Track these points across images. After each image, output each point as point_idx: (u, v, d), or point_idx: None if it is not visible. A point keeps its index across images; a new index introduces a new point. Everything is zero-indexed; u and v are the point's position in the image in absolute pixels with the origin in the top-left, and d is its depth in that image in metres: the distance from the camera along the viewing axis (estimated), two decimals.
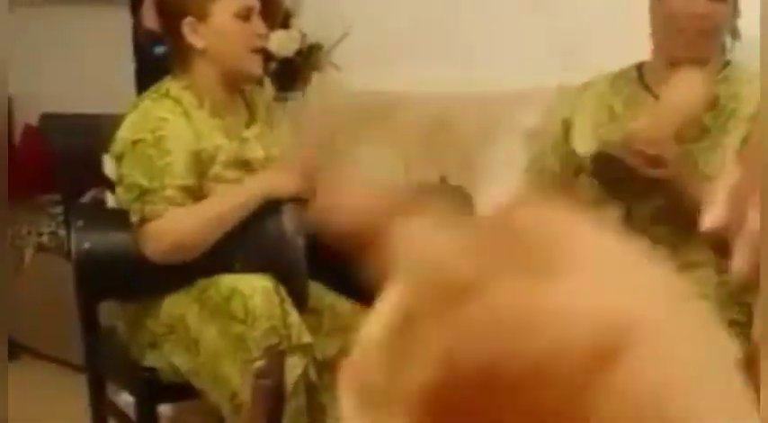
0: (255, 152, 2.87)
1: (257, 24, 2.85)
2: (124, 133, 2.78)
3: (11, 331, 4.28)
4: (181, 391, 2.86)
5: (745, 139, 2.47)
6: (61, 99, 4.16)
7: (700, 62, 2.47)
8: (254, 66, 2.87)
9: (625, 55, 2.65)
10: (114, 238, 2.87)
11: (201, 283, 2.75)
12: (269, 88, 3.16)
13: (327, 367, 2.70)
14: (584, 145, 2.57)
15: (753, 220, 0.72)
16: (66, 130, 3.23)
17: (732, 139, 2.50)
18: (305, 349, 2.66)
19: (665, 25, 2.49)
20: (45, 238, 4.51)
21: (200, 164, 2.76)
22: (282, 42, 4.06)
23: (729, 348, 0.41)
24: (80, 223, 2.91)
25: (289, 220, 2.80)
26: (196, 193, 2.75)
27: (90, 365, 3.06)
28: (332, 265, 2.32)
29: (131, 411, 3.00)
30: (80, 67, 4.92)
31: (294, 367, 2.59)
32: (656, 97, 2.54)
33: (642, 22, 2.55)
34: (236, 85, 2.90)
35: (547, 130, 2.79)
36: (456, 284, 0.39)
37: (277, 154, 2.91)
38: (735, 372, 0.41)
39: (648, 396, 0.37)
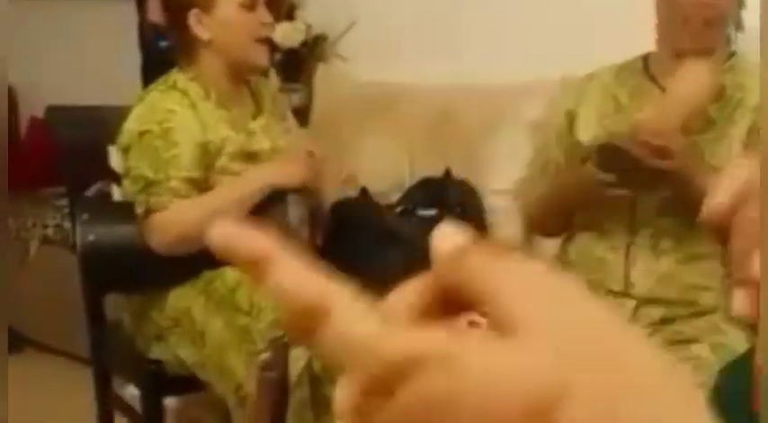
0: (262, 144, 2.87)
1: (262, 14, 2.85)
2: (131, 125, 2.78)
3: (16, 324, 4.30)
4: (186, 383, 2.86)
5: (752, 129, 2.46)
6: (67, 91, 4.16)
7: (705, 53, 2.46)
8: (260, 56, 2.87)
9: (628, 47, 2.65)
10: (119, 231, 2.87)
11: (207, 275, 2.75)
12: (274, 79, 3.15)
13: None
14: (589, 136, 2.57)
15: (752, 208, 0.71)
16: (71, 123, 3.22)
17: (738, 130, 2.49)
18: None
19: (671, 15, 2.49)
20: (50, 231, 4.51)
21: (207, 156, 2.76)
22: (287, 34, 4.06)
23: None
24: (85, 216, 2.91)
25: (293, 210, 2.80)
26: (202, 185, 2.75)
27: (95, 358, 3.06)
28: (336, 253, 2.33)
29: (137, 404, 3.00)
30: (85, 59, 4.92)
31: (298, 359, 2.59)
32: (662, 88, 2.53)
33: (645, 13, 2.54)
34: (242, 75, 2.90)
35: (551, 121, 2.79)
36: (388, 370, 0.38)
37: (283, 145, 2.91)
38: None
39: None
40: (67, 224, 4.11)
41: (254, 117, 2.91)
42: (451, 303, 0.41)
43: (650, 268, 2.51)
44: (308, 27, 4.18)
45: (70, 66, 4.96)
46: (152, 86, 2.89)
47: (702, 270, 2.48)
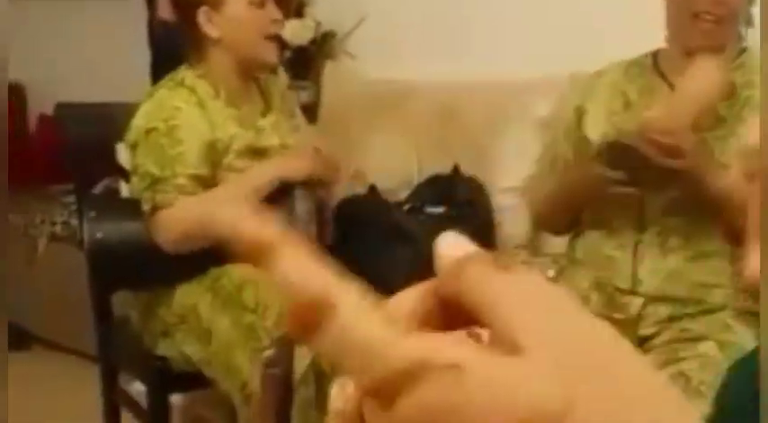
0: (271, 141, 2.87)
1: (272, 11, 2.85)
2: (138, 122, 2.78)
3: (23, 322, 4.30)
4: (192, 380, 2.86)
5: None
6: (76, 88, 4.17)
7: (716, 50, 2.45)
8: (269, 53, 2.87)
9: (637, 44, 2.63)
10: (127, 228, 2.87)
11: (214, 272, 2.75)
12: (283, 77, 3.15)
13: None
14: (598, 132, 2.55)
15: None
16: (80, 120, 3.22)
17: (747, 128, 2.48)
18: None
19: (681, 12, 2.47)
20: (58, 228, 4.52)
21: (215, 154, 2.77)
22: (296, 31, 4.06)
23: None
24: (93, 213, 2.92)
25: (300, 205, 2.80)
26: (208, 183, 2.75)
27: (102, 355, 3.07)
28: (345, 250, 2.32)
29: (143, 400, 3.00)
30: (94, 56, 4.93)
31: (303, 357, 2.59)
32: (672, 85, 2.52)
33: (655, 9, 2.53)
34: (251, 73, 2.90)
35: (559, 117, 2.78)
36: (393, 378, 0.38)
37: (292, 143, 2.91)
38: None
39: None
40: (75, 221, 4.11)
41: (263, 114, 2.91)
42: (452, 313, 0.41)
43: (658, 266, 2.50)
44: (317, 24, 4.18)
45: (79, 63, 4.96)
46: (160, 83, 2.90)
47: (711, 268, 2.47)
